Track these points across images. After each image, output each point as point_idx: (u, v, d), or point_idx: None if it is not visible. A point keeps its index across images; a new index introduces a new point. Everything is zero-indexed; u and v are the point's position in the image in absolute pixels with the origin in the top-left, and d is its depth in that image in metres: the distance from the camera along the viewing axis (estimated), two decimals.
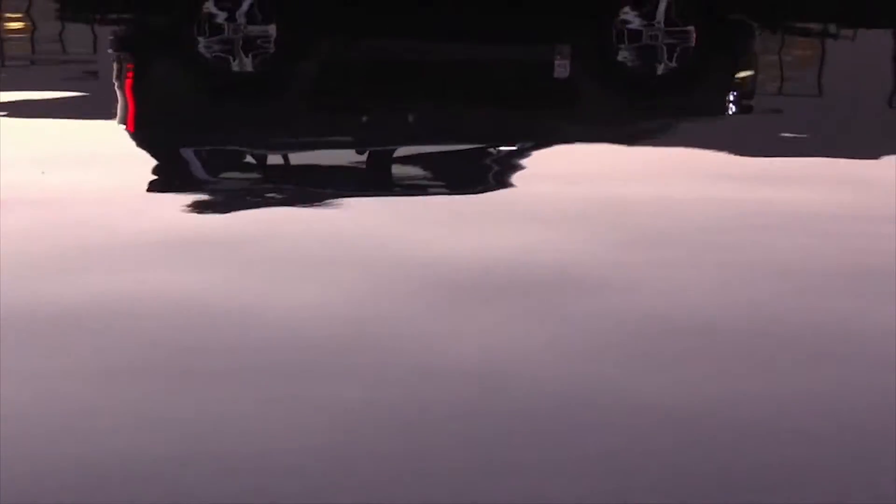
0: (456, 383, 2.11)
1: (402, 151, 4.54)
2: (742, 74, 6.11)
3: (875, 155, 4.40)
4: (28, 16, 8.04)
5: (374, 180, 4.12)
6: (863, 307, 2.57)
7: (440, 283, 2.84)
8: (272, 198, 3.84)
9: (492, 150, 4.53)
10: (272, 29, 7.47)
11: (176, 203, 3.75)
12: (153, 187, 3.96)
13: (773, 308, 2.57)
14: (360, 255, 3.14)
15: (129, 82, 5.92)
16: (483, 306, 2.63)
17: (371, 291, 2.79)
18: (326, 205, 3.74)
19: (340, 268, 3.01)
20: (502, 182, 4.06)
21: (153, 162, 4.34)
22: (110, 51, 6.76)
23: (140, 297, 2.72)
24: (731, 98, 5.56)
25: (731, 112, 5.30)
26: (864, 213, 3.51)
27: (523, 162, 4.33)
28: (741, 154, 4.43)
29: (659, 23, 7.49)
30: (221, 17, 7.87)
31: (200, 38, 7.08)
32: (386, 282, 2.87)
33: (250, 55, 6.50)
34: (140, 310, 2.61)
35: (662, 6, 8.17)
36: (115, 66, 6.30)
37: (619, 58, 6.50)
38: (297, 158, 4.46)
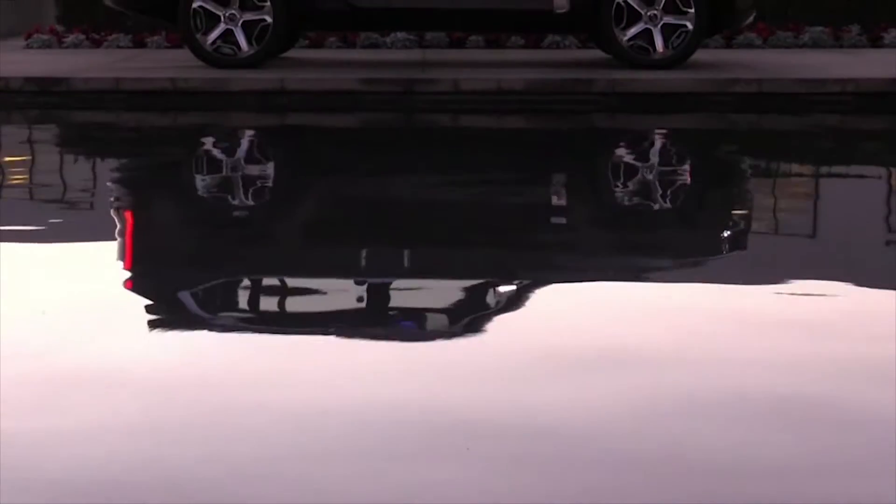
0: None
1: (399, 287, 4.55)
2: (736, 213, 6.15)
3: (871, 293, 4.41)
4: (29, 146, 8.11)
5: (372, 316, 4.12)
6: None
7: (425, 426, 2.82)
8: (271, 336, 3.83)
9: (487, 287, 4.54)
10: (270, 167, 7.53)
11: (174, 342, 3.75)
12: (151, 326, 3.96)
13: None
14: (356, 395, 3.12)
15: (127, 221, 5.95)
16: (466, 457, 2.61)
17: (366, 433, 2.77)
18: (324, 342, 3.73)
19: (337, 409, 2.99)
20: (498, 320, 4.06)
21: (151, 301, 4.34)
22: (108, 185, 6.80)
23: (136, 444, 2.70)
24: (726, 237, 5.59)
25: (726, 251, 5.32)
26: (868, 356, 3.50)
27: (520, 301, 4.34)
28: (737, 293, 4.44)
29: (653, 162, 7.56)
30: (219, 155, 7.94)
31: (199, 177, 7.14)
32: (381, 422, 2.85)
33: (249, 193, 6.55)
34: (133, 449, 2.59)
35: (657, 146, 8.26)
36: (112, 203, 6.34)
37: (615, 195, 6.55)
38: (296, 295, 4.46)
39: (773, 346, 3.68)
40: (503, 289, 4.51)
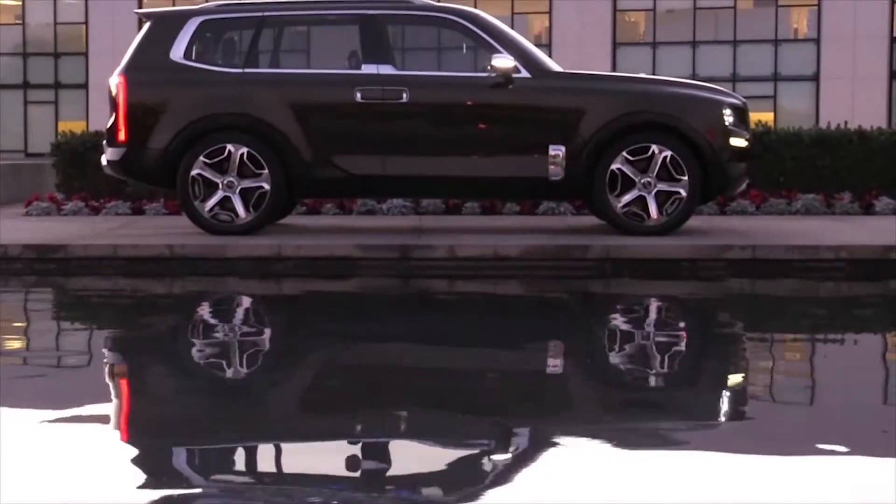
0: None
1: (394, 455, 4.52)
2: (731, 381, 6.15)
3: (870, 462, 4.39)
4: (25, 313, 8.13)
5: (367, 484, 4.09)
6: None
7: None
8: (267, 499, 3.80)
9: (484, 455, 4.51)
10: (267, 335, 7.54)
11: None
12: (147, 486, 3.94)
13: None
14: None
15: (123, 389, 5.94)
16: None
17: None
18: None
19: None
20: (494, 490, 4.03)
21: (146, 468, 4.32)
22: (105, 352, 6.80)
23: None
24: (721, 404, 5.57)
25: (722, 415, 5.30)
26: None
27: (517, 469, 4.31)
28: (735, 459, 4.41)
29: (649, 328, 7.57)
30: (215, 322, 7.96)
31: (195, 344, 7.14)
32: None
33: (245, 360, 6.54)
34: None
35: (652, 312, 8.28)
36: (108, 370, 6.33)
37: (611, 362, 6.54)
38: (291, 456, 4.44)
39: None
40: (500, 456, 4.48)
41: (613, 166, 10.59)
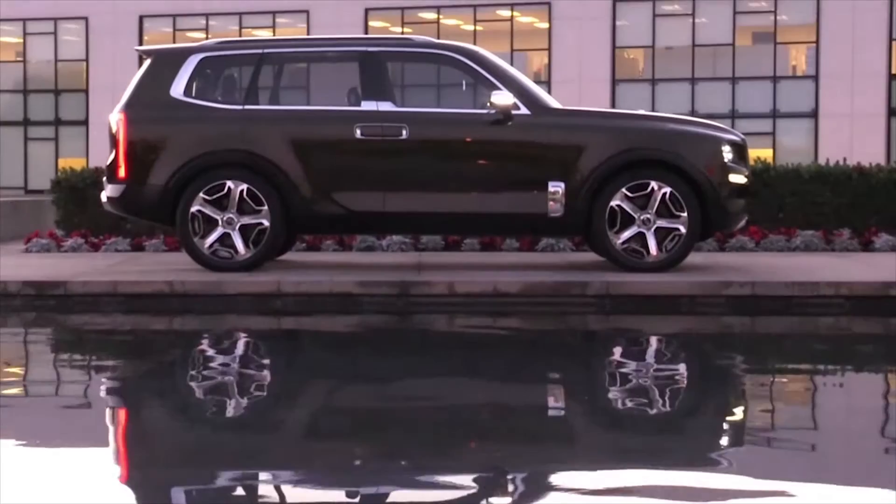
0: None
1: (393, 484, 4.51)
2: (730, 418, 6.14)
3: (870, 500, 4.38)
4: (25, 350, 8.12)
5: None
6: None
7: None
8: None
9: (483, 492, 4.51)
10: (267, 372, 7.53)
11: None
12: None
13: None
14: None
15: (122, 425, 5.93)
16: None
17: None
18: None
19: None
20: None
21: (144, 496, 4.32)
22: (104, 389, 6.80)
23: None
24: (720, 442, 5.56)
25: (723, 449, 5.29)
26: None
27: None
28: (737, 495, 4.40)
29: (648, 364, 7.56)
30: (215, 358, 7.95)
31: (194, 381, 7.13)
32: None
33: (244, 397, 6.54)
34: None
35: (651, 348, 8.27)
36: (107, 404, 6.33)
37: (611, 399, 6.53)
38: (290, 492, 4.43)
39: None
40: (498, 498, 4.47)
41: (613, 203, 10.59)
